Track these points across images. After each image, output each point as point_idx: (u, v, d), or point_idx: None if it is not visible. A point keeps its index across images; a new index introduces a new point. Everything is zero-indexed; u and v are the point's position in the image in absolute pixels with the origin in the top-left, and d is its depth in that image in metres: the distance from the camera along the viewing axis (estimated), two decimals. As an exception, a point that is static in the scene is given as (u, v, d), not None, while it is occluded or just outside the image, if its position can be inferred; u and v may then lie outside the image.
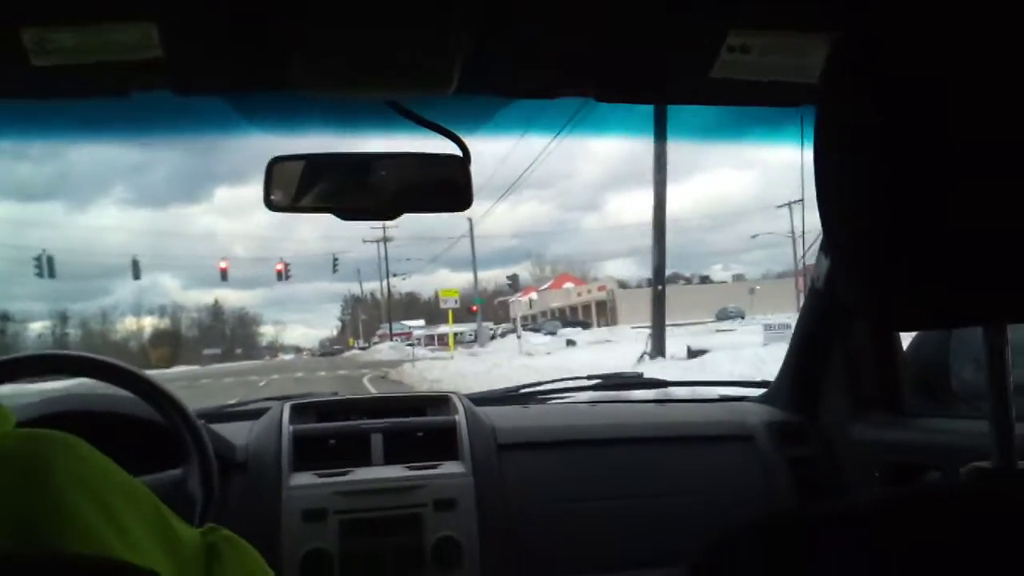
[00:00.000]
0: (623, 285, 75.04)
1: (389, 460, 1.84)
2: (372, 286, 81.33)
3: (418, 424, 1.93)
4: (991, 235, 0.58)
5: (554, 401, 2.34)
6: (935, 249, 0.59)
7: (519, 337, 40.54)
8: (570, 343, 34.49)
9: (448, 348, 57.81)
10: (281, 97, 1.45)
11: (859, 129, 0.62)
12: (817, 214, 0.69)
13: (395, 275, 62.43)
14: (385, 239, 59.52)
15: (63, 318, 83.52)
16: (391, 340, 56.65)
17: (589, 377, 2.41)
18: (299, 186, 1.54)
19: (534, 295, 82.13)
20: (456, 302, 32.52)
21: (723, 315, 48.63)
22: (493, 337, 51.57)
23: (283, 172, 1.54)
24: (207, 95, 1.41)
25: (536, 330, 50.50)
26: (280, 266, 43.62)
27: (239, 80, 1.37)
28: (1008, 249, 0.58)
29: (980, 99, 0.57)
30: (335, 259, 58.65)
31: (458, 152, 1.51)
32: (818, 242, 1.94)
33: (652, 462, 1.95)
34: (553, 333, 45.58)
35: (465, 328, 78.87)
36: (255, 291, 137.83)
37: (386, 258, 61.21)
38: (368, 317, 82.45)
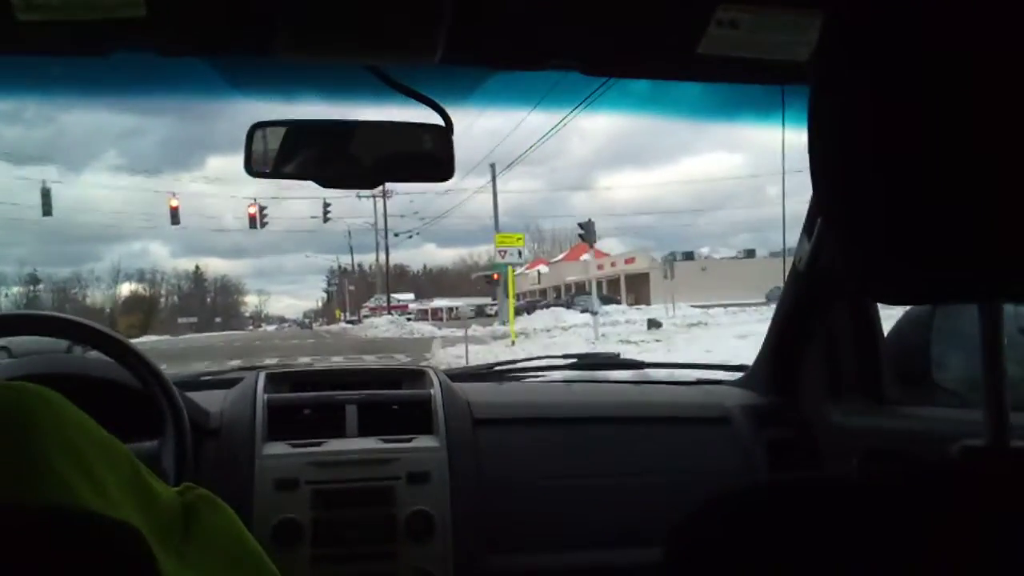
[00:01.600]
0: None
1: (363, 432, 1.84)
2: (360, 258, 78.19)
3: (393, 397, 1.93)
4: (991, 212, 0.58)
5: (530, 379, 2.34)
6: (934, 225, 0.59)
7: (572, 306, 35.71)
8: (654, 324, 26.66)
9: (447, 320, 52.68)
10: (265, 62, 1.43)
11: (855, 104, 0.62)
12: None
13: (397, 235, 54.60)
14: (385, 193, 52.05)
15: (35, 280, 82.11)
16: (388, 313, 49.83)
17: (565, 356, 2.41)
18: (280, 152, 1.53)
19: (543, 267, 73.21)
20: (520, 254, 22.15)
21: (774, 296, 43.17)
22: (521, 312, 41.14)
23: (265, 137, 1.53)
24: (191, 57, 1.40)
25: (566, 306, 42.29)
26: (253, 209, 33.61)
27: (223, 43, 1.36)
28: (1007, 227, 0.58)
29: (976, 72, 0.56)
30: (326, 205, 53.76)
31: (441, 122, 1.50)
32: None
33: (627, 441, 1.95)
34: (593, 311, 35.01)
35: (461, 302, 76.22)
36: (243, 261, 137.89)
37: (385, 215, 54.52)
38: (356, 288, 78.55)
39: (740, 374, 2.25)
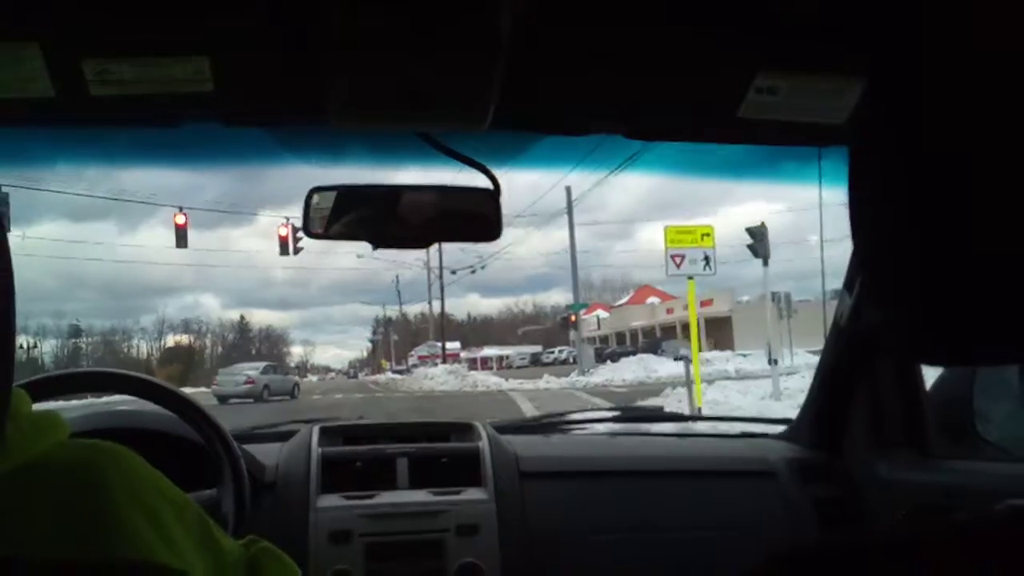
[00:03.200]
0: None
1: (414, 484, 1.87)
2: (407, 308, 75.94)
3: (443, 450, 1.96)
4: None
5: (575, 432, 2.36)
6: (976, 286, 0.59)
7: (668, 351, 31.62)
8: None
9: (497, 369, 48.98)
10: (321, 130, 1.51)
11: (895, 166, 0.63)
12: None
13: (454, 272, 48.99)
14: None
15: (77, 332, 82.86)
16: (444, 361, 44.29)
17: (610, 408, 2.42)
18: (335, 214, 1.59)
19: (601, 312, 69.29)
20: (707, 261, 14.51)
21: None
22: (617, 357, 36.54)
23: (321, 201, 1.59)
24: (252, 126, 1.47)
25: (654, 352, 37.26)
26: (284, 230, 25.66)
27: (282, 113, 1.43)
28: None
29: (1020, 131, 0.57)
30: (295, 231, 52.33)
31: (489, 184, 1.55)
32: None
33: (673, 495, 1.96)
34: (686, 358, 33.39)
35: (511, 351, 69.04)
36: (290, 312, 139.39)
37: (440, 253, 48.04)
38: (400, 338, 76.73)
39: (783, 427, 2.25)
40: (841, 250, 1.84)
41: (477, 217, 1.58)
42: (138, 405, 1.75)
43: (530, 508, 1.88)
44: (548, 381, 27.29)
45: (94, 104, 1.27)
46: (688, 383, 14.22)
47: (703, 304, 52.16)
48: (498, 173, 1.57)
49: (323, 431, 1.99)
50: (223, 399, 27.67)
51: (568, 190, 30.95)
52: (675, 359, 29.00)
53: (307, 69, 1.23)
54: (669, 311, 60.85)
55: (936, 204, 0.60)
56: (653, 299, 70.51)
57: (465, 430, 2.06)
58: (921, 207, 0.61)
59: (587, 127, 1.48)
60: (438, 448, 1.97)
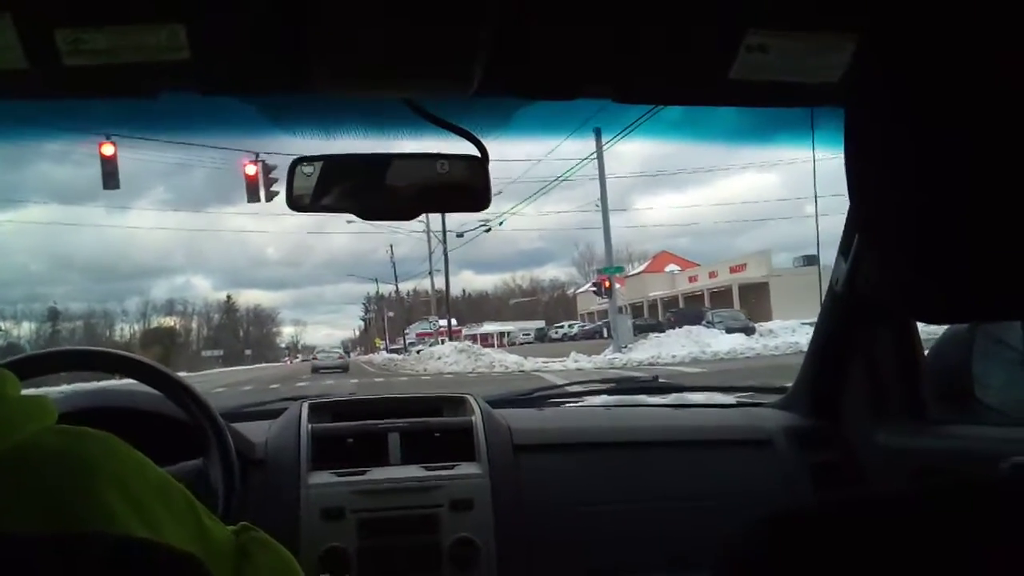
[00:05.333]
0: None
1: (406, 460, 1.86)
2: (402, 285, 71.46)
3: (435, 424, 1.95)
4: None
5: (569, 404, 2.35)
6: (976, 240, 0.59)
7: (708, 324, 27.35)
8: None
9: (498, 347, 43.99)
10: (303, 98, 1.47)
11: (892, 122, 0.62)
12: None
13: (460, 235, 41.73)
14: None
15: (55, 315, 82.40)
16: (450, 338, 39.93)
17: (603, 380, 2.41)
18: (320, 186, 1.56)
19: (616, 284, 63.96)
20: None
21: None
22: (644, 331, 31.37)
23: (305, 172, 1.56)
24: (232, 96, 1.44)
25: (691, 321, 31.49)
26: (253, 169, 18.98)
27: (262, 81, 1.39)
28: None
29: (1016, 86, 0.56)
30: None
31: (476, 153, 1.52)
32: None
33: (668, 466, 1.95)
34: (744, 329, 28.17)
35: (513, 327, 66.97)
36: (282, 292, 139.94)
37: (443, 219, 41.38)
38: (395, 314, 73.23)
39: (779, 396, 2.24)
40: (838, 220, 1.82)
41: (465, 186, 1.55)
42: (126, 385, 1.73)
43: (524, 481, 1.87)
44: (578, 359, 23.71)
45: (69, 75, 1.24)
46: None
47: (734, 270, 50.25)
48: (487, 141, 1.54)
49: (312, 408, 1.98)
50: (316, 370, 36.10)
51: (597, 132, 27.54)
52: (727, 332, 26.86)
53: (287, 35, 1.20)
54: (692, 279, 57.45)
55: (932, 160, 0.60)
56: (672, 267, 66.43)
57: (457, 404, 2.04)
58: (917, 164, 0.61)
59: (575, 91, 1.45)
60: (430, 423, 1.96)
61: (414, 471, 1.82)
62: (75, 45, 1.19)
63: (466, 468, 1.84)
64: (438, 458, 1.85)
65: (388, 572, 1.72)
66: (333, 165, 1.57)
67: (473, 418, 1.94)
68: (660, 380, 2.56)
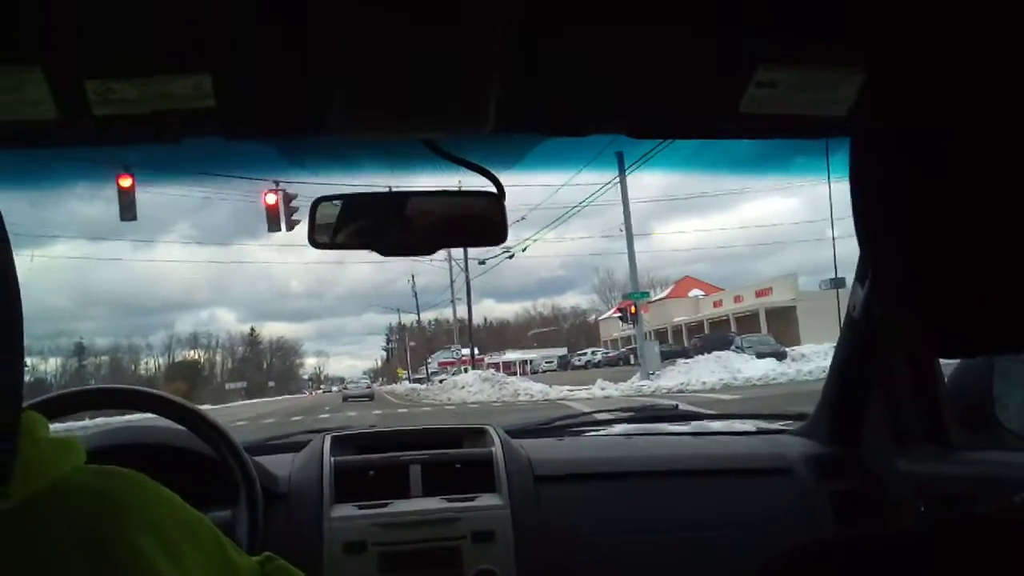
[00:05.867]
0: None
1: (428, 492, 1.87)
2: (411, 318, 72.06)
3: (456, 456, 1.96)
4: None
5: (589, 434, 2.35)
6: (986, 273, 0.59)
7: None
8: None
9: (521, 375, 43.27)
10: (323, 140, 1.51)
11: (897, 157, 0.62)
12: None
13: (483, 262, 41.79)
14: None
15: (80, 350, 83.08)
16: (473, 367, 39.78)
17: (623, 409, 2.41)
18: (341, 224, 1.59)
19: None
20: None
21: None
22: (671, 357, 30.75)
23: (326, 211, 1.59)
24: (254, 140, 1.47)
25: (718, 347, 30.54)
26: (274, 198, 18.64)
27: (284, 126, 1.42)
28: None
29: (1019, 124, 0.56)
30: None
31: (493, 189, 1.55)
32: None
33: (689, 495, 1.95)
34: (776, 354, 27.16)
35: (535, 354, 66.17)
36: (305, 324, 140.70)
37: (465, 256, 42.47)
38: (417, 344, 74.09)
39: (799, 423, 2.23)
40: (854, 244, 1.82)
41: (482, 221, 1.58)
42: (152, 420, 1.76)
43: (546, 512, 1.87)
44: (604, 387, 23.00)
45: (97, 123, 1.28)
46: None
47: (760, 294, 49.16)
48: (503, 176, 1.57)
49: (335, 440, 1.99)
50: (346, 399, 39.68)
51: (620, 156, 25.80)
52: (758, 357, 25.98)
53: (308, 81, 1.23)
54: (717, 304, 56.48)
55: (938, 195, 0.60)
56: (696, 291, 65.82)
57: (477, 435, 2.05)
58: (923, 198, 0.61)
59: (588, 128, 1.47)
60: (451, 454, 1.97)
61: (436, 503, 1.83)
62: (105, 95, 1.23)
63: (487, 499, 1.85)
64: (459, 489, 1.86)
65: None
66: (353, 203, 1.60)
67: (493, 449, 1.95)
68: (680, 407, 2.56)
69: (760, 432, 2.32)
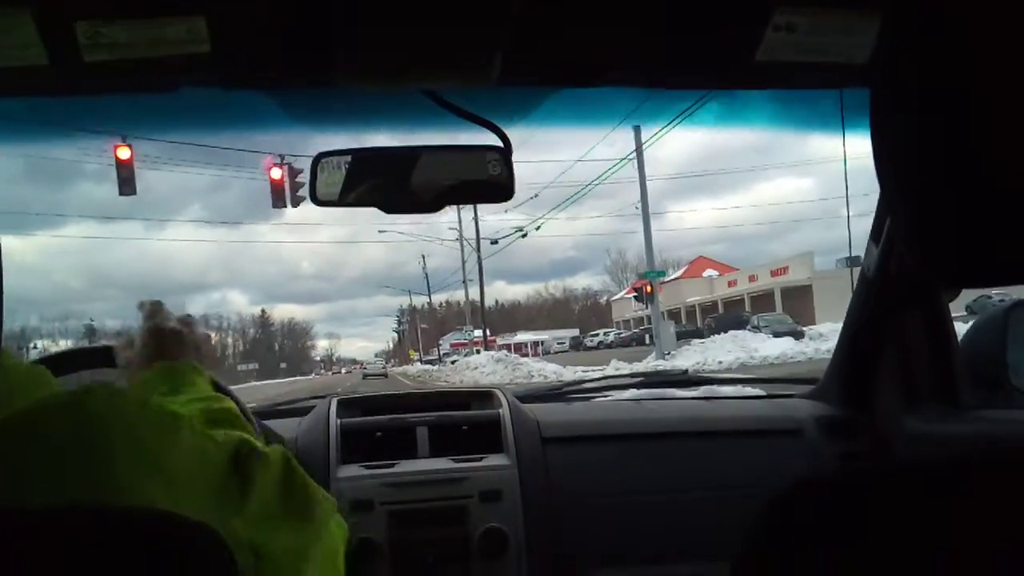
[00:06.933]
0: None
1: (435, 453, 1.87)
2: (422, 299, 71.94)
3: (463, 418, 1.95)
4: None
5: (598, 399, 2.34)
6: (1004, 208, 0.59)
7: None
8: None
9: (532, 356, 42.58)
10: (325, 94, 1.48)
11: (917, 102, 0.62)
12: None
13: (494, 242, 40.61)
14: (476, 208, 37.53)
15: (91, 332, 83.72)
16: (485, 348, 39.62)
17: (633, 375, 2.40)
18: (344, 181, 1.57)
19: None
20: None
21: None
22: (686, 337, 31.12)
23: (329, 167, 1.57)
24: (253, 90, 1.45)
25: (734, 326, 30.88)
26: (279, 172, 17.37)
27: (283, 74, 1.40)
28: None
29: None
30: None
31: (500, 143, 1.52)
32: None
33: (697, 456, 1.94)
34: (793, 333, 27.09)
35: (547, 335, 65.90)
36: (316, 306, 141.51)
37: (476, 224, 42.08)
38: (428, 325, 74.34)
39: (811, 387, 2.21)
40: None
41: (489, 177, 1.55)
42: None
43: (553, 473, 1.86)
44: (619, 367, 21.63)
45: (89, 71, 1.26)
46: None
47: (775, 273, 48.69)
48: (512, 131, 1.54)
49: (341, 403, 2.00)
50: (365, 376, 44.70)
51: (637, 129, 23.98)
52: (774, 336, 25.80)
53: (307, 27, 1.20)
54: (731, 283, 56.22)
55: (959, 134, 0.60)
56: (710, 271, 65.15)
57: (485, 398, 2.05)
58: (945, 139, 0.61)
59: (599, 78, 1.44)
60: (458, 416, 1.96)
61: (443, 463, 1.83)
62: (95, 39, 1.20)
63: (494, 460, 1.84)
64: (467, 451, 1.86)
65: (418, 562, 1.72)
66: (356, 160, 1.57)
67: (501, 411, 1.94)
68: (689, 373, 2.54)
69: (770, 396, 2.30)
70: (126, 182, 15.11)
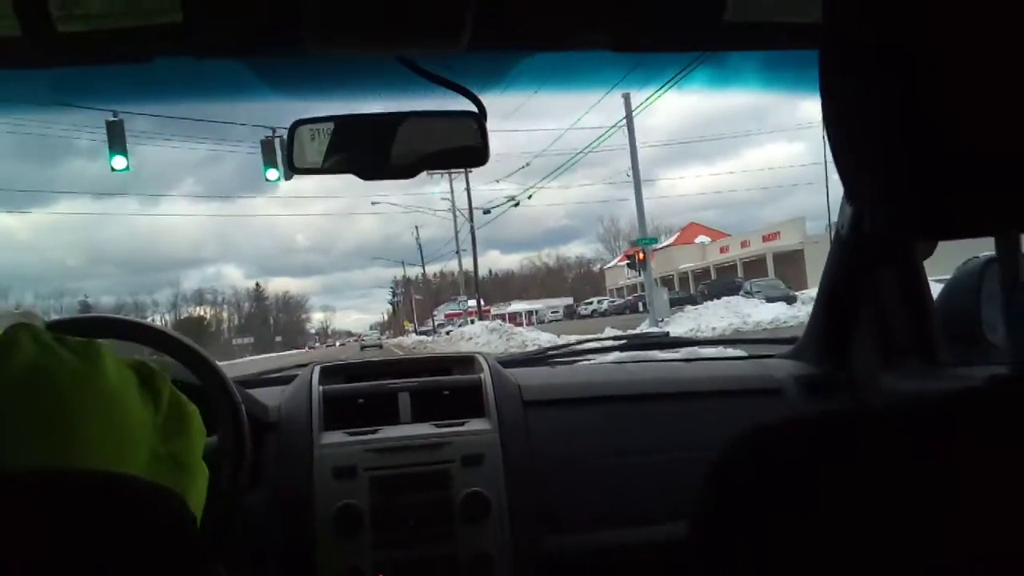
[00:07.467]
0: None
1: (417, 419, 1.88)
2: (416, 270, 71.48)
3: (444, 383, 1.97)
4: (1006, 146, 0.59)
5: (580, 362, 2.36)
6: (952, 160, 0.60)
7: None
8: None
9: (527, 325, 42.74)
10: (299, 62, 1.48)
11: (868, 53, 0.62)
12: None
13: (487, 211, 41.16)
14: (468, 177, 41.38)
15: (87, 309, 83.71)
16: (481, 318, 39.90)
17: (615, 338, 2.41)
18: (320, 148, 1.57)
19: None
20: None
21: None
22: (679, 304, 31.31)
23: (305, 135, 1.57)
24: (226, 59, 1.45)
25: (727, 292, 31.24)
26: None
27: (255, 43, 1.40)
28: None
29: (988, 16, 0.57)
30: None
31: (474, 109, 1.52)
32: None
33: (679, 417, 1.96)
34: (786, 298, 27.16)
35: (541, 305, 65.81)
36: (312, 279, 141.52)
37: (468, 192, 42.72)
38: (423, 296, 73.47)
39: (790, 347, 2.24)
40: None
41: (463, 142, 1.56)
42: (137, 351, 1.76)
43: (535, 436, 1.88)
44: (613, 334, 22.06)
45: (64, 42, 1.26)
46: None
47: (767, 238, 48.71)
48: (485, 97, 1.54)
49: (324, 370, 2.01)
50: (363, 348, 46.18)
51: (627, 96, 24.95)
52: (768, 301, 25.84)
53: None
54: (723, 249, 56.15)
55: (909, 92, 0.60)
56: (702, 238, 65.20)
57: (467, 363, 2.06)
58: (896, 96, 0.61)
59: (568, 41, 1.44)
60: (440, 381, 1.98)
61: (425, 428, 1.84)
62: (68, 10, 1.20)
63: (476, 424, 1.86)
64: (449, 416, 1.88)
65: (401, 527, 1.74)
66: (332, 127, 1.58)
67: (482, 375, 1.96)
68: (671, 335, 2.56)
69: (751, 357, 2.32)
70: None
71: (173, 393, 0.88)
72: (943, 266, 1.90)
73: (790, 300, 26.85)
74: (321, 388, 1.91)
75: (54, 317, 1.83)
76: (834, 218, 1.98)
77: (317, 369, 2.00)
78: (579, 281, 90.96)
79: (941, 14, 0.58)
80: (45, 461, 0.68)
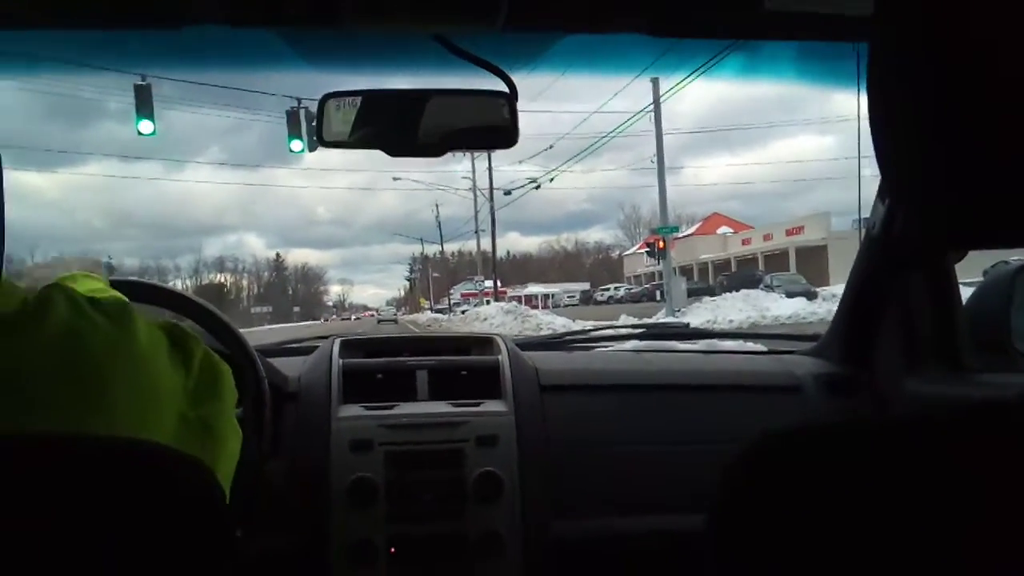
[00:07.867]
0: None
1: (434, 397, 1.89)
2: (434, 248, 71.16)
3: (463, 363, 1.97)
4: None
5: (598, 348, 2.35)
6: (998, 171, 0.58)
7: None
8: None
9: (543, 308, 42.62)
10: (333, 35, 1.47)
11: (916, 58, 0.61)
12: None
13: (508, 192, 40.07)
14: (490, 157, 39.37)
15: (111, 270, 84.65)
16: (496, 299, 38.87)
17: (634, 327, 2.40)
18: (349, 122, 1.56)
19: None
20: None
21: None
22: (697, 295, 30.60)
23: (336, 108, 1.56)
24: (259, 27, 1.44)
25: (746, 285, 29.87)
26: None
27: (292, 13, 1.39)
28: None
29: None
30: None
31: (506, 89, 1.51)
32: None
33: (695, 409, 1.95)
34: (806, 294, 27.04)
35: (557, 288, 66.23)
36: (332, 251, 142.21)
37: (490, 171, 40.85)
38: (440, 274, 73.44)
39: (812, 344, 2.21)
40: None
41: (494, 122, 1.55)
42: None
43: (550, 420, 1.88)
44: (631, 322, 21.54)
45: (98, 6, 1.25)
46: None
47: (791, 232, 47.88)
48: (517, 77, 1.53)
49: (344, 344, 2.02)
50: (380, 322, 49.67)
51: (655, 81, 24.51)
52: (788, 297, 25.55)
53: None
54: (745, 241, 55.78)
55: (957, 94, 0.58)
56: (725, 229, 64.73)
57: (485, 344, 2.06)
58: (944, 98, 0.59)
59: (605, 24, 1.43)
60: (458, 361, 1.98)
61: (441, 407, 1.85)
62: None
63: (492, 405, 1.86)
64: (465, 395, 1.88)
65: (414, 503, 1.75)
66: (365, 102, 1.57)
67: (500, 357, 1.96)
68: (691, 326, 2.54)
69: (771, 352, 2.30)
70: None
71: (206, 354, 0.89)
72: (970, 271, 1.87)
73: (810, 296, 26.63)
74: (341, 361, 1.92)
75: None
76: (865, 215, 1.94)
77: (338, 342, 2.01)
78: (597, 267, 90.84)
79: (998, 12, 0.56)
80: (72, 424, 0.68)
